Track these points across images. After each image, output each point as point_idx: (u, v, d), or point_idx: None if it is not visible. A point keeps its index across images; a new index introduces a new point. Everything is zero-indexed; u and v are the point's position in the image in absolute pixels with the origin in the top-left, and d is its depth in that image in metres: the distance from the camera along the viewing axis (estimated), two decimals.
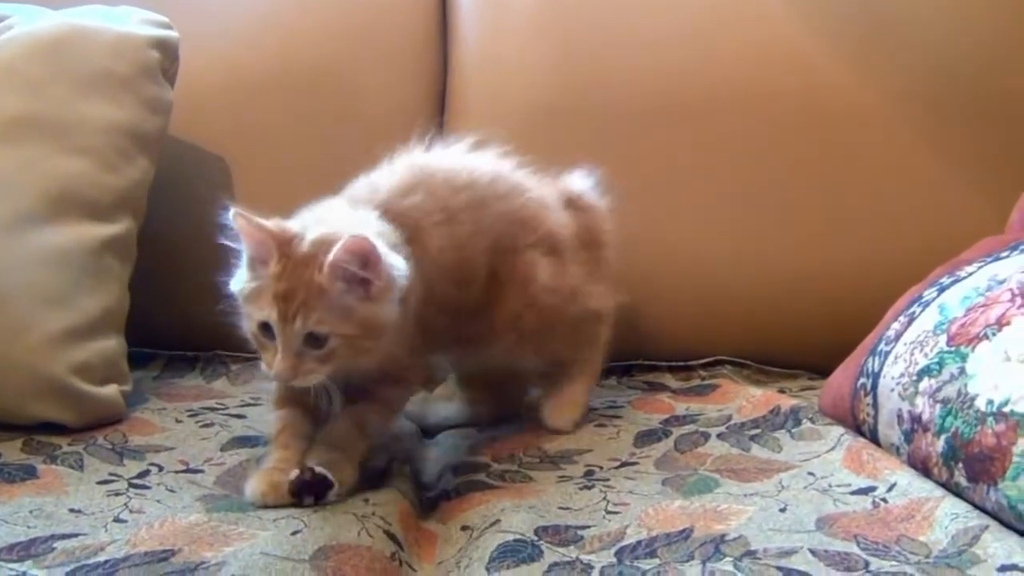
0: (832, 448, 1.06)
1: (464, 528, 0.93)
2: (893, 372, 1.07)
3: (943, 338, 1.03)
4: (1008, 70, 1.46)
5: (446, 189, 1.10)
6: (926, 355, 1.03)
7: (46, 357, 1.13)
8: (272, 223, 0.96)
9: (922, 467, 0.99)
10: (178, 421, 1.19)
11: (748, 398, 1.24)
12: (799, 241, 1.43)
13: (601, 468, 1.07)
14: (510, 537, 0.87)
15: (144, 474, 1.03)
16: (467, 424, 1.25)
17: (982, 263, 1.11)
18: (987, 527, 0.85)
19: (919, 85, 1.46)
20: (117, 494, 0.97)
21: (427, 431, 1.25)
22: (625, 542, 0.88)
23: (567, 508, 0.96)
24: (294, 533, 0.86)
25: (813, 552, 0.83)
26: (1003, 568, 0.79)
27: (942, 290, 1.10)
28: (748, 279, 1.43)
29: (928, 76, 1.46)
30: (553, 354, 1.21)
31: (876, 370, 1.10)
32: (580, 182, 1.28)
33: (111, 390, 1.17)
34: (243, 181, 1.46)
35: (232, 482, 1.01)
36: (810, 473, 1.01)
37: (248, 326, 0.98)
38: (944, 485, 0.95)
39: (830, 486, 0.98)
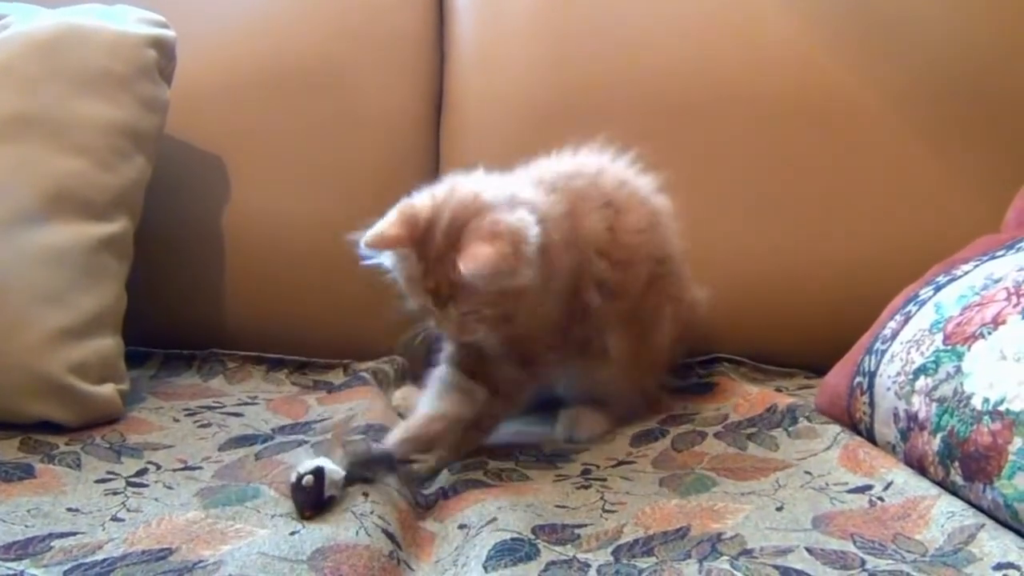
0: (829, 447, 1.06)
1: (461, 527, 0.93)
2: (889, 371, 1.07)
3: (939, 337, 1.03)
4: (1005, 70, 1.47)
5: (611, 182, 1.16)
6: (922, 354, 1.03)
7: (43, 356, 1.13)
8: (398, 221, 1.02)
9: (918, 466, 0.99)
10: (175, 420, 1.20)
11: (745, 396, 1.24)
12: (796, 240, 1.43)
13: (598, 467, 1.07)
14: (507, 536, 0.87)
15: (142, 472, 1.03)
16: None
17: (978, 262, 1.11)
18: (983, 525, 0.85)
19: (917, 85, 1.46)
20: (115, 493, 0.97)
21: None
22: (622, 541, 0.88)
23: (564, 507, 0.96)
24: (292, 533, 0.86)
25: (810, 551, 0.84)
26: (999, 566, 0.79)
27: (938, 289, 1.11)
28: (745, 277, 1.43)
29: (926, 76, 1.46)
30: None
31: (872, 369, 1.10)
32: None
33: (108, 389, 1.18)
34: (239, 180, 1.46)
35: (230, 477, 1.01)
36: (807, 472, 1.01)
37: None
38: (940, 484, 0.95)
39: (827, 485, 0.98)
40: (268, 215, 1.44)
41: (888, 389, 1.06)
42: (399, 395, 1.31)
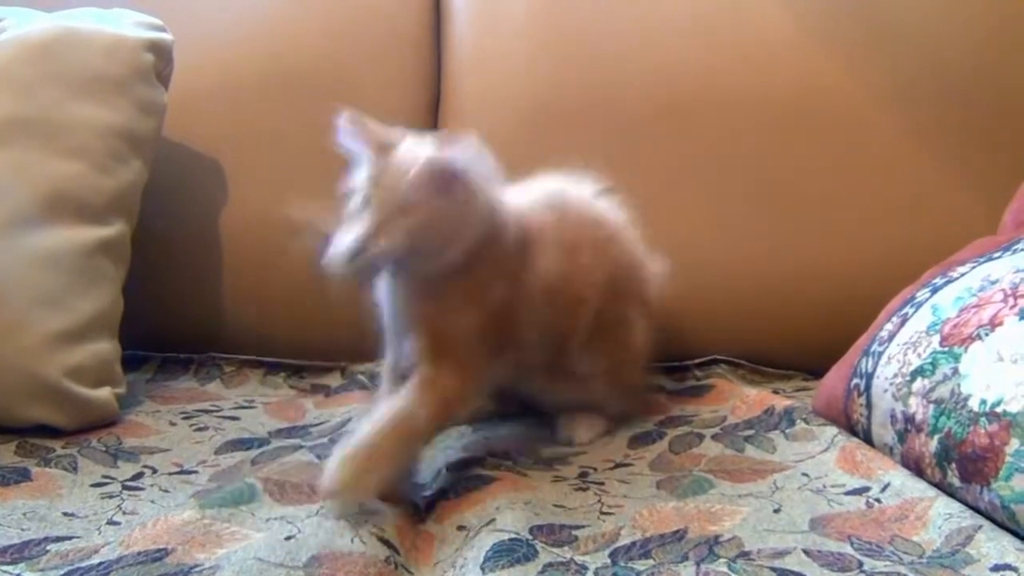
0: (826, 449, 1.06)
1: (460, 528, 0.93)
2: (886, 373, 1.07)
3: (936, 338, 1.03)
4: (1002, 71, 1.46)
5: (577, 219, 1.15)
6: (919, 355, 1.03)
7: (39, 359, 1.13)
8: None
9: (915, 467, 0.99)
10: (172, 424, 1.19)
11: (742, 398, 1.24)
12: (793, 242, 1.43)
13: (595, 469, 1.07)
14: (505, 536, 0.87)
15: (138, 476, 1.03)
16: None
17: (975, 263, 1.11)
18: (980, 527, 0.85)
19: (914, 86, 1.46)
20: (111, 496, 0.97)
21: None
22: (619, 543, 0.88)
23: (562, 507, 0.96)
24: (288, 538, 0.86)
25: (807, 553, 0.84)
26: (996, 568, 0.79)
27: (935, 291, 1.11)
28: (742, 279, 1.43)
29: (922, 77, 1.46)
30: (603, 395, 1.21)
31: (870, 371, 1.10)
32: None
33: (104, 393, 1.17)
34: (237, 183, 1.46)
35: (225, 479, 1.01)
36: (804, 474, 1.01)
37: None
38: (937, 485, 0.95)
39: (824, 487, 0.98)
40: (265, 218, 1.44)
41: (885, 391, 1.06)
42: None
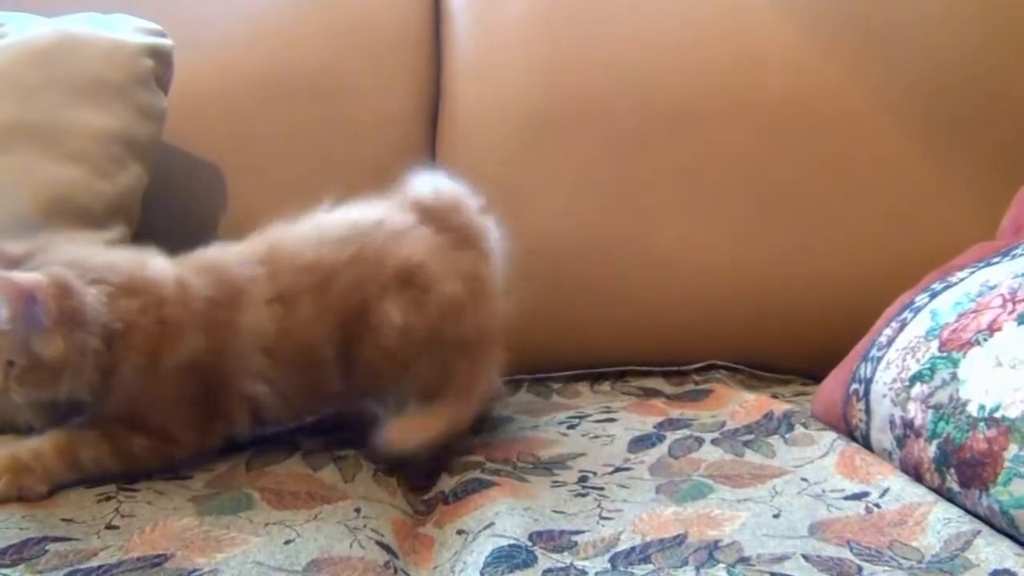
0: (825, 453, 1.06)
1: (460, 532, 0.93)
2: (885, 378, 1.07)
3: (935, 344, 1.03)
4: (999, 76, 1.47)
5: (289, 271, 1.08)
6: (918, 360, 1.04)
7: None
8: None
9: (914, 472, 0.99)
10: None
11: (742, 403, 1.24)
12: (791, 246, 1.44)
13: (595, 474, 1.07)
14: (504, 542, 0.87)
15: (133, 480, 1.03)
16: None
17: (974, 269, 1.11)
18: (979, 532, 0.85)
19: (912, 91, 1.47)
20: (108, 498, 0.96)
21: None
22: (619, 548, 0.88)
23: (561, 512, 0.96)
24: (287, 542, 0.87)
25: (806, 558, 0.84)
26: (995, 573, 0.79)
27: (934, 296, 1.11)
28: (741, 284, 1.43)
29: (920, 82, 1.47)
30: (418, 391, 1.11)
31: (868, 376, 1.10)
32: (430, 183, 1.17)
33: None
34: (237, 187, 1.46)
35: (222, 485, 1.01)
36: (803, 479, 1.01)
37: None
38: (936, 490, 0.95)
39: (823, 491, 0.98)
40: (265, 221, 1.44)
41: (884, 396, 1.06)
42: None
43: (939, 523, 0.88)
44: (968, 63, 1.47)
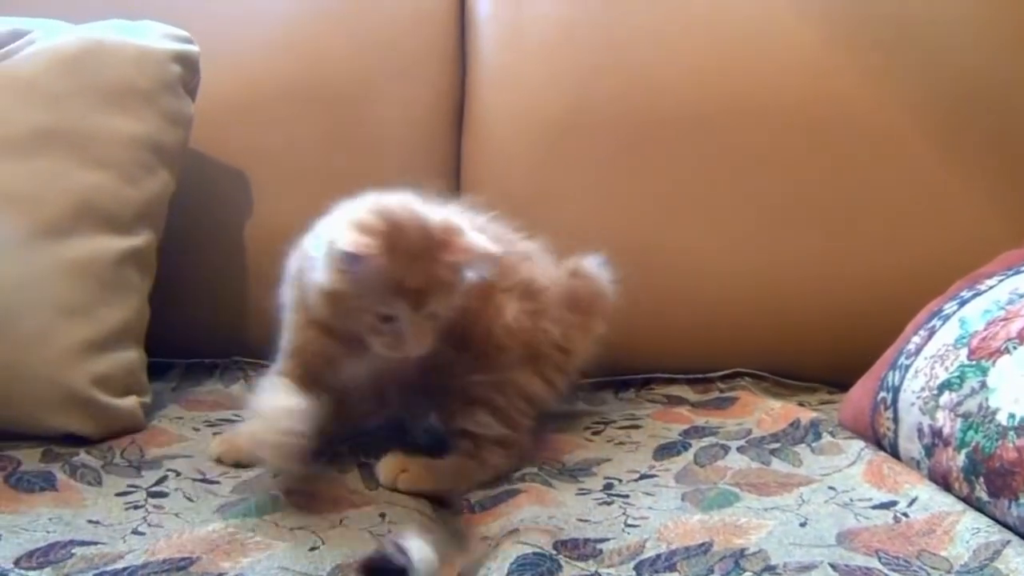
0: (852, 462, 1.06)
1: (483, 538, 0.93)
2: (914, 386, 1.06)
3: (964, 352, 1.02)
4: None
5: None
6: (947, 369, 1.03)
7: (66, 368, 1.14)
8: (368, 229, 0.97)
9: (943, 481, 0.98)
10: (195, 430, 1.20)
11: (768, 411, 1.24)
12: (818, 254, 1.43)
13: (620, 481, 1.07)
14: (529, 550, 0.87)
15: (162, 480, 1.03)
16: None
17: (1003, 276, 1.11)
18: (1009, 542, 0.84)
19: (939, 96, 1.46)
20: (136, 507, 0.97)
21: None
22: (644, 556, 0.87)
23: (586, 520, 0.96)
24: (312, 549, 0.87)
25: (834, 567, 0.83)
26: None
27: (963, 303, 1.10)
28: (766, 291, 1.43)
29: (946, 88, 1.46)
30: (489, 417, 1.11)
31: (896, 384, 1.10)
32: (585, 260, 1.23)
33: (131, 401, 1.18)
34: (262, 194, 1.47)
35: (249, 490, 1.01)
36: (831, 487, 1.01)
37: (352, 321, 1.01)
38: (965, 500, 0.94)
39: (851, 500, 0.97)
40: (290, 228, 1.44)
41: (912, 404, 1.05)
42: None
43: (968, 533, 0.87)
44: (992, 66, 1.46)
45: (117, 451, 1.11)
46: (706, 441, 1.17)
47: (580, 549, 0.89)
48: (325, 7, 1.57)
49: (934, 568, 0.83)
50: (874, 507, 0.95)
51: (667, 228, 1.44)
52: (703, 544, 0.89)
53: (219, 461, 1.09)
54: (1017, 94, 1.46)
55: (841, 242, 1.44)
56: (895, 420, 1.08)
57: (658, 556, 0.87)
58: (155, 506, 0.97)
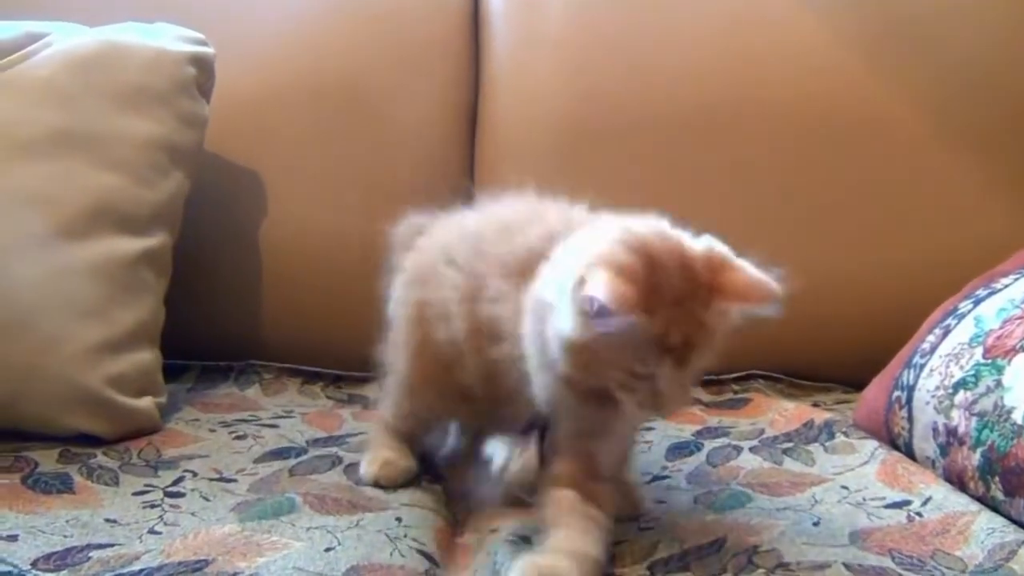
0: (866, 462, 1.06)
1: (492, 531, 0.93)
2: (928, 385, 1.06)
3: (979, 350, 1.02)
4: None
5: None
6: (962, 368, 1.02)
7: (82, 369, 1.15)
8: (623, 278, 0.79)
9: (958, 481, 0.98)
10: (211, 431, 1.20)
11: (781, 412, 1.23)
12: (831, 254, 1.42)
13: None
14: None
15: (179, 480, 1.04)
16: None
17: (1019, 275, 1.10)
18: None
19: (951, 93, 1.45)
20: (152, 506, 0.98)
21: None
22: (657, 556, 0.87)
23: None
24: (327, 550, 0.87)
25: (847, 566, 0.83)
26: None
27: (978, 302, 1.10)
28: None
29: (964, 85, 1.45)
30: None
31: (911, 383, 1.09)
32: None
33: (146, 402, 1.19)
34: (276, 194, 1.47)
35: (265, 490, 1.02)
36: (844, 487, 1.00)
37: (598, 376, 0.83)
38: (980, 499, 0.94)
39: (864, 500, 0.97)
40: (305, 229, 1.45)
41: (927, 403, 1.05)
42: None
43: (983, 532, 0.87)
44: (1013, 66, 1.45)
45: (134, 452, 1.12)
46: (719, 441, 1.16)
47: None
48: (338, 8, 1.57)
49: (948, 568, 0.83)
50: (887, 506, 0.95)
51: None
52: (715, 541, 0.88)
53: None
54: None
55: (856, 241, 1.43)
56: (910, 419, 1.08)
57: (671, 556, 0.87)
58: (172, 505, 0.98)
